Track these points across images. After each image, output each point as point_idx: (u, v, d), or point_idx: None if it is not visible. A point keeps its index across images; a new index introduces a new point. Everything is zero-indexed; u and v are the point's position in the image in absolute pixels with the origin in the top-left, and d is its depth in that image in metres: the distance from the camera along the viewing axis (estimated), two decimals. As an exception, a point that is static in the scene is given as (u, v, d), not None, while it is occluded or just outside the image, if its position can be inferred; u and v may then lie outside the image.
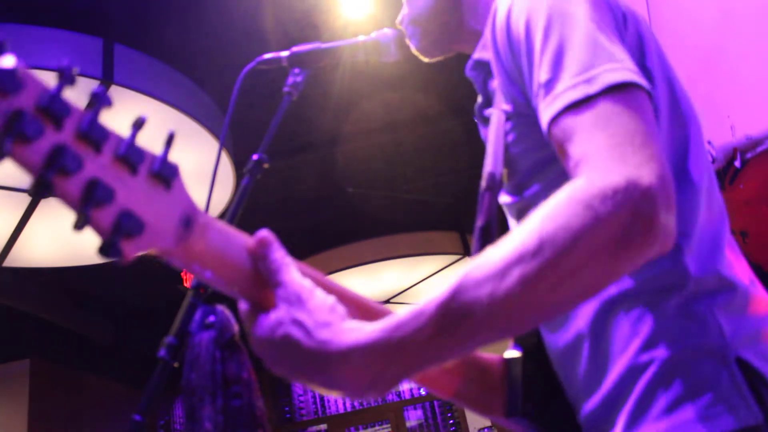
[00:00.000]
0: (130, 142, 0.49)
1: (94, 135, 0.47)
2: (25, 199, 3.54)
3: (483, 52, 0.94)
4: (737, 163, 1.77)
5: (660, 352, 0.74)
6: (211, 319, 2.13)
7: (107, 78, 2.80)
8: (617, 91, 0.67)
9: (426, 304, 0.57)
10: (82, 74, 2.75)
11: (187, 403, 2.08)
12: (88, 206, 0.46)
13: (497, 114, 0.86)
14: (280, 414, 7.82)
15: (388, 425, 7.57)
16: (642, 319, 0.75)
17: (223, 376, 2.05)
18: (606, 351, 0.78)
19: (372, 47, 1.16)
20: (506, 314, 0.56)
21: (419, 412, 7.66)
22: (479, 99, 0.99)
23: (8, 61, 0.44)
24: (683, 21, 2.04)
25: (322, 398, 8.01)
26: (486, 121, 0.96)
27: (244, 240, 0.61)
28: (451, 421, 7.51)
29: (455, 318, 0.55)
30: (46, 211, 3.64)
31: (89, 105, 0.47)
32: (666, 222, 0.59)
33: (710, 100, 1.95)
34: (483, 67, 0.94)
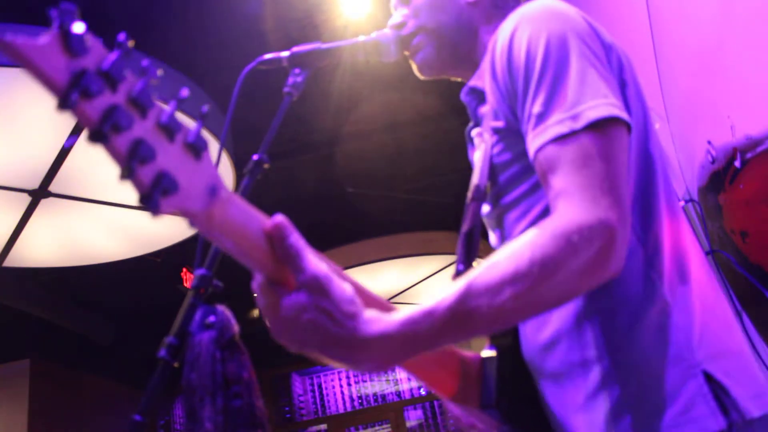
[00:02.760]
0: (171, 113, 0.56)
1: (142, 101, 0.53)
2: (25, 199, 3.54)
3: (478, 81, 1.02)
4: (737, 163, 1.77)
5: (634, 364, 0.81)
6: (211, 319, 2.13)
7: (107, 78, 2.80)
8: (599, 126, 0.77)
9: (436, 305, 0.69)
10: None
11: (187, 403, 2.08)
12: (133, 161, 0.51)
13: (486, 132, 0.94)
14: (280, 414, 7.82)
15: (388, 425, 7.57)
16: (618, 330, 0.83)
17: (223, 376, 2.05)
18: (581, 354, 0.85)
19: (372, 47, 1.16)
20: (498, 320, 0.70)
21: (419, 412, 7.66)
22: (471, 123, 1.06)
23: (79, 27, 0.49)
24: (683, 21, 2.04)
25: (322, 398, 8.01)
26: (473, 142, 1.04)
27: (262, 221, 0.68)
28: (452, 421, 7.50)
29: (459, 321, 0.68)
30: (46, 211, 3.64)
31: (139, 74, 0.54)
32: (620, 255, 0.73)
33: (710, 100, 1.95)
34: (476, 94, 1.02)
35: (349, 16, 3.50)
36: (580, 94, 0.79)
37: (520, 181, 0.91)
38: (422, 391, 7.79)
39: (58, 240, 4.02)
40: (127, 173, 0.51)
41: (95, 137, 0.50)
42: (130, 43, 0.53)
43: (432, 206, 5.53)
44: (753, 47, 1.73)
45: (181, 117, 3.10)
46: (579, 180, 0.75)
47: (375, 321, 0.69)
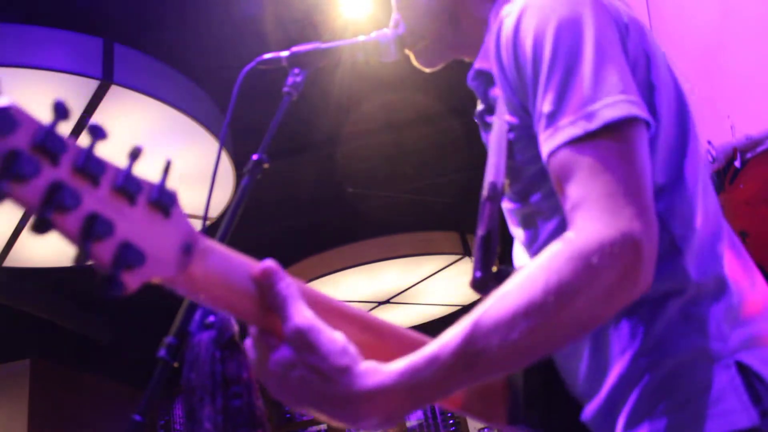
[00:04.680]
0: (127, 173, 0.49)
1: (91, 169, 0.47)
2: (25, 199, 3.53)
3: (484, 62, 0.95)
4: (737, 163, 1.77)
5: (660, 355, 0.75)
6: (211, 319, 2.13)
7: (107, 78, 2.80)
8: (616, 127, 0.70)
9: (440, 349, 0.62)
10: (82, 74, 2.75)
11: (187, 403, 2.08)
12: (87, 241, 0.46)
13: (499, 124, 0.87)
14: (280, 414, 7.82)
15: (388, 425, 7.57)
16: (642, 322, 0.77)
17: (223, 376, 2.05)
18: (606, 352, 0.80)
19: (372, 47, 1.15)
20: (512, 358, 0.63)
21: (419, 412, 7.65)
22: (480, 105, 1.00)
23: (2, 100, 0.43)
24: (683, 21, 2.04)
25: (322, 398, 8.01)
26: (487, 126, 0.98)
27: (248, 266, 0.61)
28: (451, 422, 7.50)
29: (467, 363, 0.61)
30: (46, 211, 3.64)
31: (89, 139, 0.47)
32: (649, 269, 0.66)
33: (710, 100, 1.94)
34: (484, 76, 0.95)
35: (349, 16, 3.50)
36: (595, 90, 0.72)
37: (541, 183, 0.84)
38: (422, 391, 7.78)
39: (58, 240, 4.01)
40: (83, 256, 0.46)
41: (40, 227, 0.44)
42: (68, 106, 0.46)
43: (432, 206, 5.52)
44: (753, 47, 1.72)
45: (178, 119, 3.10)
46: (598, 188, 0.68)
47: (371, 373, 0.61)
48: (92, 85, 2.81)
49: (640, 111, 0.72)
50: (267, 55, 1.28)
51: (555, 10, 0.77)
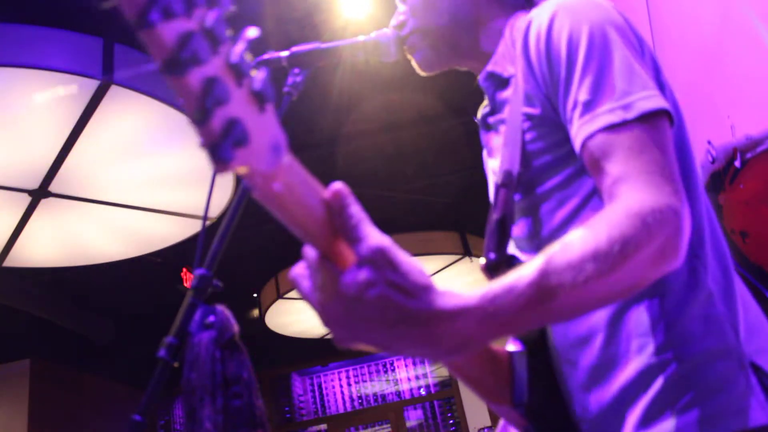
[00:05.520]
0: (242, 53, 0.47)
1: (217, 33, 0.45)
2: (25, 199, 3.54)
3: (496, 66, 1.01)
4: (737, 163, 1.77)
5: (679, 353, 0.79)
6: (211, 319, 2.13)
7: (107, 78, 2.80)
8: (650, 117, 0.77)
9: (516, 280, 0.63)
10: (82, 74, 2.75)
11: (187, 403, 2.08)
12: (209, 100, 0.44)
13: (514, 116, 0.92)
14: (280, 414, 7.82)
15: (388, 425, 7.57)
16: (660, 320, 0.81)
17: (223, 376, 2.05)
18: (621, 346, 0.83)
19: (372, 47, 1.15)
20: (581, 301, 0.65)
21: (419, 412, 7.66)
22: (486, 107, 1.04)
23: None
24: (683, 21, 2.04)
25: (322, 398, 8.01)
26: (489, 127, 1.03)
27: (320, 190, 0.61)
28: (451, 421, 7.51)
29: (542, 298, 0.62)
30: (46, 211, 3.65)
31: (210, 4, 0.46)
32: (684, 245, 0.70)
33: (710, 100, 1.95)
34: (495, 79, 1.01)
35: (349, 16, 3.50)
36: (629, 83, 0.79)
37: (553, 172, 0.89)
38: (422, 391, 7.79)
39: (58, 240, 4.02)
40: (202, 115, 0.43)
41: (170, 67, 0.42)
42: None
43: (432, 206, 5.53)
44: (753, 48, 1.73)
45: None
46: (639, 165, 0.73)
47: (452, 294, 0.61)
48: (92, 85, 2.81)
49: (668, 106, 0.78)
50: (267, 55, 1.28)
51: (587, 14, 0.84)
